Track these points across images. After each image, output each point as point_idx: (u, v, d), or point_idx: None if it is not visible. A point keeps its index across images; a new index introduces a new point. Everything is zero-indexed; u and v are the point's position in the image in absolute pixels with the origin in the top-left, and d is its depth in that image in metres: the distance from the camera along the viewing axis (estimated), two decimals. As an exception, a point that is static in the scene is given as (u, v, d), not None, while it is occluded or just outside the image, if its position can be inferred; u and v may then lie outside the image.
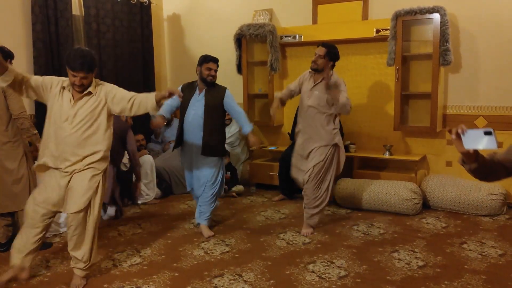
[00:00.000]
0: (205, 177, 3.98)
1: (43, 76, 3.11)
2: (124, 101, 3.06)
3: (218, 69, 3.97)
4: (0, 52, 3.52)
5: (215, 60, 3.96)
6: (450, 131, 1.73)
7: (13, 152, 3.56)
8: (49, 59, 4.80)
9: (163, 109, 3.97)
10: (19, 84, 2.93)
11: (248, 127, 3.94)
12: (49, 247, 3.74)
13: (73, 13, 5.07)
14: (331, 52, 3.86)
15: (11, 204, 3.59)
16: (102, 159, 3.05)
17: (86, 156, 3.00)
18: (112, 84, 3.16)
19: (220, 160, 4.04)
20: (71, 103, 3.01)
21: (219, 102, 3.92)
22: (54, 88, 3.05)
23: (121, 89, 3.14)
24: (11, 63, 3.68)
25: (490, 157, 1.80)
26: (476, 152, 1.71)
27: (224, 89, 3.99)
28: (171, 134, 5.74)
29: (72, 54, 2.92)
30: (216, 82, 4.02)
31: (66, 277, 3.19)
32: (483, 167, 1.76)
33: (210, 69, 3.90)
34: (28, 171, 3.63)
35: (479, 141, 1.67)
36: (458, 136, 1.69)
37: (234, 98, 4.00)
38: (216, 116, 3.94)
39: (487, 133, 1.66)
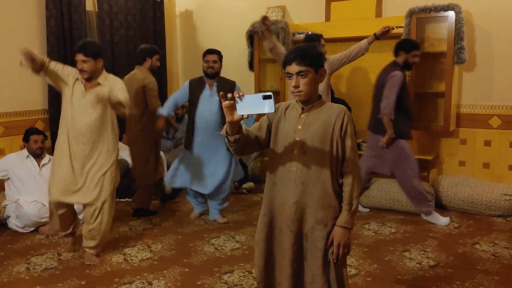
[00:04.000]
0: (219, 175, 4.06)
1: (64, 65, 3.17)
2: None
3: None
4: (148, 50, 4.32)
5: (212, 52, 3.98)
6: (224, 96, 1.70)
7: (146, 137, 4.26)
8: (62, 54, 4.83)
9: (164, 107, 4.09)
10: (40, 66, 3.04)
11: None
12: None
13: (87, 8, 5.10)
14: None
15: (141, 179, 4.34)
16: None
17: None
18: (115, 77, 3.31)
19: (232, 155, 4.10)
20: (82, 94, 3.07)
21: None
22: (70, 79, 3.11)
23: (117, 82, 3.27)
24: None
25: (246, 131, 1.91)
26: (239, 124, 1.77)
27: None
28: (181, 130, 5.74)
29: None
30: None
31: (78, 270, 3.23)
32: (243, 139, 1.86)
33: (208, 61, 3.94)
34: (155, 155, 4.39)
35: (258, 106, 1.64)
36: (232, 105, 1.69)
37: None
38: None
39: (267, 97, 1.64)
